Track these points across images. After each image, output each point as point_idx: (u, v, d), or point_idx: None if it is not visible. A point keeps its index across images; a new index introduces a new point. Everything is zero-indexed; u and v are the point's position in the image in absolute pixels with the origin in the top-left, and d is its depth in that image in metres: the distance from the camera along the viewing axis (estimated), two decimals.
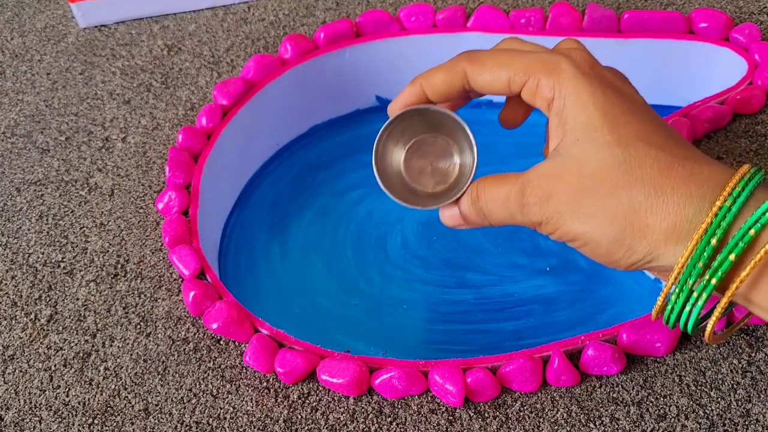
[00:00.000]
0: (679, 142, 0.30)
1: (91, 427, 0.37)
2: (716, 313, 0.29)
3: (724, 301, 0.28)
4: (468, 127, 0.34)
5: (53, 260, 0.44)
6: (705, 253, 0.28)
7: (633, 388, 0.36)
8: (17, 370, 0.39)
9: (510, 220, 0.33)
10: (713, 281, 0.28)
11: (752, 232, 0.27)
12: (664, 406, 0.35)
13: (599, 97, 0.30)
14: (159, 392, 0.38)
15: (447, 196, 0.35)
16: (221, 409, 0.37)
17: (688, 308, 0.29)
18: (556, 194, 0.30)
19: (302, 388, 0.37)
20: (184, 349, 0.39)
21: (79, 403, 0.38)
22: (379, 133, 0.35)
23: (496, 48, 0.35)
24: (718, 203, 0.28)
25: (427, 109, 0.35)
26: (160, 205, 0.45)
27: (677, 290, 0.29)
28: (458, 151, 0.36)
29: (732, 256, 0.27)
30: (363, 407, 0.37)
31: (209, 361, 0.39)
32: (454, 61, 0.34)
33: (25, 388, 0.39)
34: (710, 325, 0.29)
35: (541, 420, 0.35)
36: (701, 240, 0.28)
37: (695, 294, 0.29)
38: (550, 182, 0.30)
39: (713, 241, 0.27)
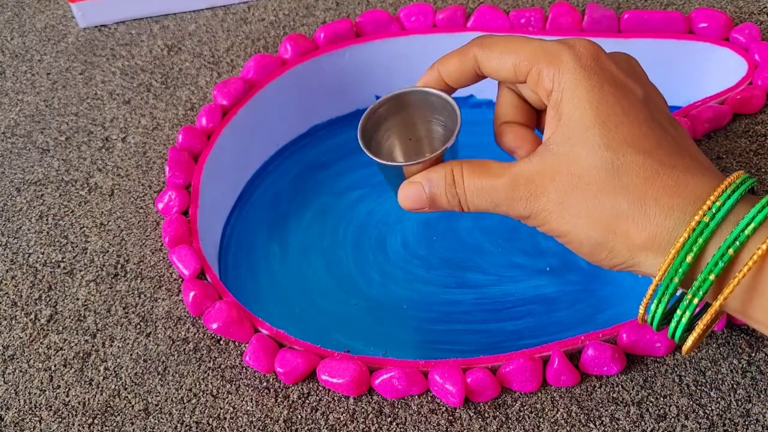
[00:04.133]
0: (669, 148, 0.30)
1: (91, 427, 0.37)
2: (697, 329, 0.29)
3: (707, 319, 0.28)
4: (456, 103, 0.34)
5: (53, 260, 0.44)
6: (681, 269, 0.28)
7: (633, 388, 0.36)
8: (17, 370, 0.39)
9: (491, 210, 0.33)
10: (695, 301, 0.28)
11: (731, 251, 0.27)
12: (664, 406, 0.35)
13: (595, 94, 0.30)
14: (159, 392, 0.38)
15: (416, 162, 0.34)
16: (221, 409, 0.37)
17: (674, 323, 0.29)
18: (546, 192, 0.30)
19: (302, 388, 0.37)
20: (184, 349, 0.39)
21: (79, 403, 0.38)
22: (370, 107, 0.35)
23: (508, 34, 0.35)
24: (696, 218, 0.27)
25: (419, 90, 0.35)
26: (160, 205, 0.45)
27: (656, 301, 0.29)
28: (445, 129, 0.36)
29: (712, 276, 0.27)
30: (363, 407, 0.37)
31: (209, 361, 0.39)
32: (467, 46, 0.34)
33: (25, 388, 0.39)
34: (691, 339, 0.29)
35: (541, 420, 0.35)
36: (678, 255, 0.28)
37: (679, 312, 0.29)
38: (541, 180, 0.31)
39: (689, 258, 0.27)
